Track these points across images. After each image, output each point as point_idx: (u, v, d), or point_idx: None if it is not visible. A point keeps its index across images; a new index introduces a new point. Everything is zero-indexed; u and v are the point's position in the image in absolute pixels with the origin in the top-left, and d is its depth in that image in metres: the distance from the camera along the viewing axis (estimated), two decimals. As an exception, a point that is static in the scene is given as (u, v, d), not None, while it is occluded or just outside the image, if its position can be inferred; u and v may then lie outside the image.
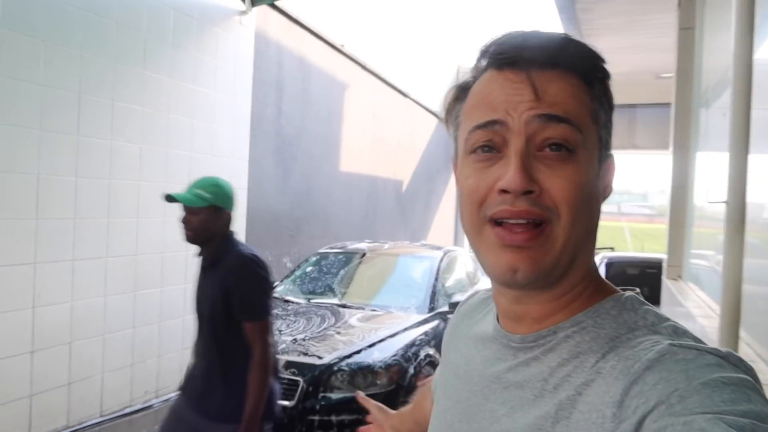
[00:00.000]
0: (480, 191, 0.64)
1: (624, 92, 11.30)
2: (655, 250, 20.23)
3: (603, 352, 0.60)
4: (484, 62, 0.69)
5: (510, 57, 0.64)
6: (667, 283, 4.81)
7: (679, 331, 0.59)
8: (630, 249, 20.84)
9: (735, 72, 1.96)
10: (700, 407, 0.47)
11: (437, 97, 12.92)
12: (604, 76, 0.67)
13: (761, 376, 1.86)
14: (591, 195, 0.64)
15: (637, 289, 0.68)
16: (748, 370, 0.53)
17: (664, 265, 4.95)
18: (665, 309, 4.83)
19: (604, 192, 0.68)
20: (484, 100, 0.66)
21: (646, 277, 6.99)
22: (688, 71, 4.72)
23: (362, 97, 9.19)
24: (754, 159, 1.91)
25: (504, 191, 0.61)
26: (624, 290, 0.68)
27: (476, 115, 0.66)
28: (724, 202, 1.89)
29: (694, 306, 3.52)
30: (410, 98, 11.16)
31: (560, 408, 0.59)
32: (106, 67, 4.42)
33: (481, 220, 0.64)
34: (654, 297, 6.06)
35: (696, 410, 0.46)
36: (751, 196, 1.86)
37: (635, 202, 71.90)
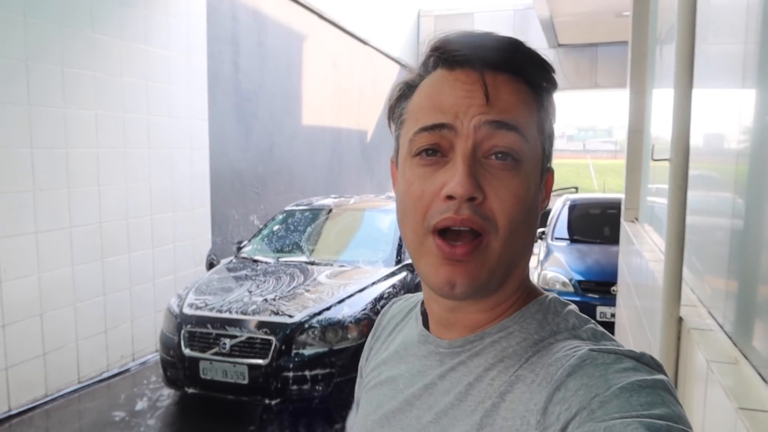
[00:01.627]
0: (425, 198, 0.61)
1: (586, 32, 11.30)
2: (618, 186, 20.72)
3: (527, 357, 0.60)
4: (433, 60, 0.65)
5: (462, 56, 0.61)
6: (624, 225, 4.98)
7: (597, 334, 0.61)
8: (595, 186, 21.28)
9: (680, 17, 2.01)
10: (619, 411, 0.48)
11: (398, 44, 12.74)
12: (552, 86, 0.65)
13: (698, 320, 1.99)
14: (530, 208, 0.62)
15: (555, 294, 0.69)
16: (660, 368, 0.55)
17: (622, 208, 5.12)
18: (622, 249, 5.02)
19: (542, 204, 0.67)
20: (432, 101, 0.62)
21: (607, 218, 7.17)
22: (644, 10, 4.75)
23: (321, 47, 9.03)
24: (696, 111, 1.99)
25: (450, 197, 0.59)
26: (545, 291, 0.69)
27: (423, 117, 0.62)
28: (667, 159, 1.98)
29: (646, 249, 3.68)
30: (370, 46, 10.98)
31: (485, 414, 0.59)
32: (52, 32, 4.27)
33: (424, 230, 0.61)
34: (614, 236, 6.27)
35: (615, 415, 0.48)
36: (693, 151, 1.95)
37: (600, 138, 72.75)
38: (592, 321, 0.64)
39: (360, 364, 0.89)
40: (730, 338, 1.83)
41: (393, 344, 0.80)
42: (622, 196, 8.15)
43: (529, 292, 0.68)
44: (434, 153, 0.61)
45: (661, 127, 3.93)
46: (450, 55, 0.62)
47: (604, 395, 0.50)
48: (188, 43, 5.73)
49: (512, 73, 0.61)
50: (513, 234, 0.60)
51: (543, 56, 0.64)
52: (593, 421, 0.49)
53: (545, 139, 0.64)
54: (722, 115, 2.17)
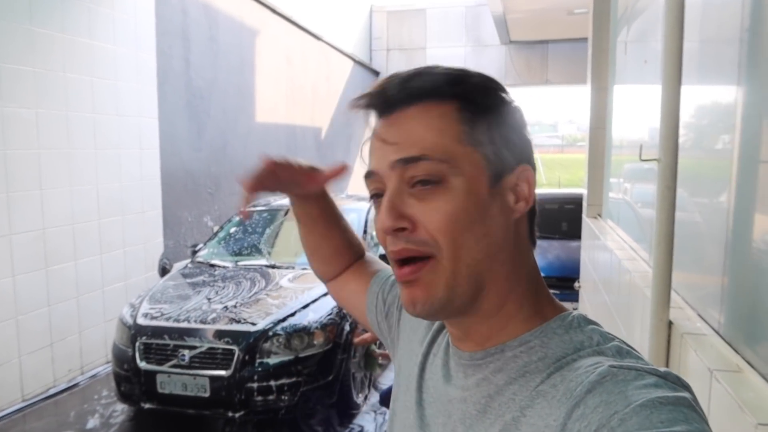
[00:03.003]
0: (379, 235, 0.67)
1: (538, 29, 11.42)
2: (570, 181, 21.12)
3: (548, 373, 0.61)
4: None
5: (373, 105, 0.68)
6: (587, 221, 5.00)
7: (623, 351, 0.60)
8: (544, 180, 21.60)
9: (667, 14, 1.95)
10: (639, 429, 0.48)
11: (351, 40, 12.59)
12: (472, 94, 0.65)
13: (689, 324, 1.93)
14: (476, 217, 0.63)
15: (578, 310, 0.65)
16: (686, 387, 0.54)
17: (584, 204, 5.14)
18: (585, 245, 5.04)
19: (515, 207, 0.66)
20: (369, 150, 0.70)
21: (564, 213, 7.23)
22: (605, 8, 4.76)
23: (274, 42, 8.80)
24: (685, 111, 1.94)
25: (385, 232, 0.64)
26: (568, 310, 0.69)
27: (368, 165, 0.70)
28: (656, 160, 1.91)
29: (615, 246, 3.68)
30: (324, 41, 10.80)
31: (504, 428, 0.60)
32: (-14, 25, 3.95)
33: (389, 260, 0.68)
34: (573, 231, 6.32)
35: None
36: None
37: (546, 133, 74.33)
38: (618, 338, 0.63)
39: (381, 296, 0.96)
40: (728, 344, 1.77)
41: (421, 351, 0.81)
42: (576, 191, 8.25)
43: (537, 302, 0.68)
44: (379, 196, 0.67)
45: (625, 124, 3.94)
46: (368, 108, 0.69)
47: (624, 412, 0.50)
48: (136, 38, 5.44)
49: (418, 101, 0.64)
50: (460, 248, 0.62)
51: (451, 70, 0.66)
52: None
53: (481, 147, 0.64)
54: (708, 113, 2.14)
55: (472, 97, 0.65)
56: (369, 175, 0.69)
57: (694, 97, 2.15)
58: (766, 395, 1.35)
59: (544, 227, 7.24)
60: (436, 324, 0.82)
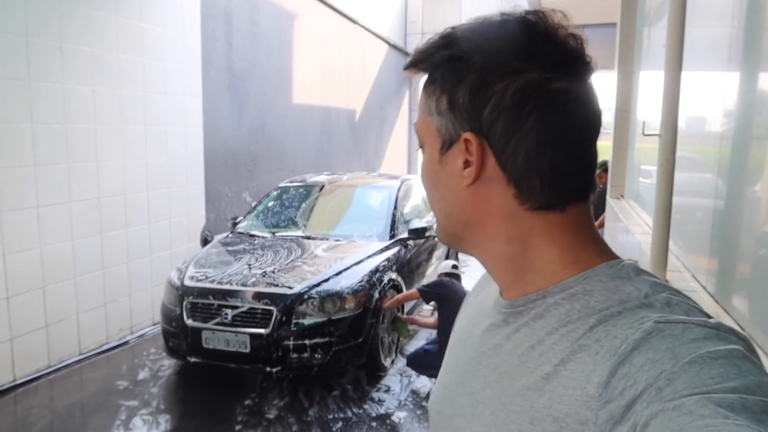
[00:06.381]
0: None
1: (573, 13, 11.37)
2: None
3: (591, 325, 0.59)
4: None
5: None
6: (610, 201, 5.16)
7: (672, 303, 0.57)
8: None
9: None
10: (689, 388, 0.46)
11: (386, 24, 12.76)
12: (435, 65, 0.68)
13: (683, 284, 2.18)
14: (432, 183, 0.72)
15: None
16: (741, 338, 0.52)
17: (608, 185, 5.29)
18: (609, 225, 5.20)
19: (462, 174, 0.67)
20: None
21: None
22: (632, -5, 4.87)
23: (312, 26, 9.05)
24: (684, 89, 2.13)
25: None
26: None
27: None
28: (657, 134, 2.12)
29: (632, 223, 3.86)
30: (360, 25, 11.01)
31: (544, 379, 0.59)
32: (51, 7, 4.30)
33: None
34: (597, 212, 6.45)
35: (685, 392, 0.46)
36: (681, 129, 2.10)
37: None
38: (670, 288, 0.60)
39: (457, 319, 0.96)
40: (712, 297, 2.00)
41: (476, 305, 0.85)
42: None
43: (594, 256, 0.66)
44: None
45: (648, 107, 4.08)
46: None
47: (672, 371, 0.48)
48: (182, 21, 5.76)
49: (423, 71, 0.70)
50: (431, 204, 0.74)
51: (437, 43, 0.68)
52: (661, 401, 0.46)
53: (435, 116, 0.68)
54: (707, 96, 2.32)
55: (431, 70, 0.69)
56: None
57: (694, 80, 2.34)
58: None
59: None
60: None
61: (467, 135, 0.65)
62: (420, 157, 0.75)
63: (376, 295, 4.39)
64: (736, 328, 0.56)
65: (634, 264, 0.64)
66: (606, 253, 0.67)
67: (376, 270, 4.56)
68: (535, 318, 0.65)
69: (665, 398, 0.46)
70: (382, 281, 4.52)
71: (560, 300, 0.63)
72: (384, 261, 4.76)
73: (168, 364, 4.68)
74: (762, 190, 1.70)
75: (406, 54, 14.06)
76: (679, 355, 0.49)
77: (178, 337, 4.23)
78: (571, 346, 0.58)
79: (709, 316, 0.55)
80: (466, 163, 0.66)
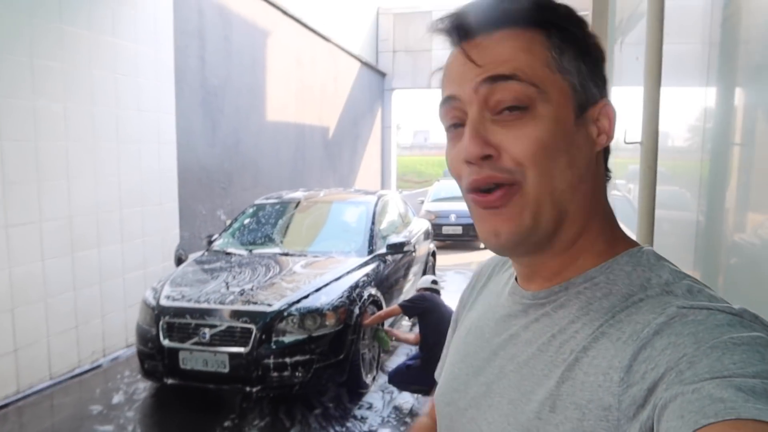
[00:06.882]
0: (455, 166, 0.66)
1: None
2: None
3: (614, 312, 0.59)
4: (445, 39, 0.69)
5: (451, 32, 0.66)
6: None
7: (694, 290, 0.57)
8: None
9: (649, 14, 2.18)
10: (710, 372, 0.45)
11: (359, 41, 12.84)
12: (562, 21, 0.64)
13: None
14: (563, 146, 0.62)
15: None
16: (765, 326, 0.51)
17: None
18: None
19: (597, 140, 0.65)
20: (445, 77, 0.67)
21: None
22: (603, 9, 4.97)
23: (285, 43, 9.05)
24: (665, 99, 2.17)
25: (468, 162, 0.63)
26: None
27: (442, 92, 0.67)
28: (639, 142, 2.15)
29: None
30: (332, 43, 11.05)
31: (566, 368, 0.59)
32: (21, 23, 4.21)
33: (465, 192, 0.66)
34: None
35: (705, 376, 0.45)
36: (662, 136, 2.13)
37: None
38: (690, 276, 0.60)
39: (456, 312, 0.91)
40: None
41: (484, 294, 0.82)
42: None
43: (611, 238, 0.67)
44: (457, 126, 0.65)
45: (627, 118, 4.15)
46: (448, 33, 0.67)
47: (693, 355, 0.48)
48: (155, 36, 5.70)
49: (505, 27, 0.63)
50: (543, 175, 0.61)
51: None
52: (682, 384, 0.46)
53: (569, 76, 0.63)
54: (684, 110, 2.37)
55: (561, 25, 0.64)
56: (447, 101, 0.66)
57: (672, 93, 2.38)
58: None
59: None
60: (502, 273, 0.82)
61: (606, 100, 0.66)
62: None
63: (357, 311, 4.35)
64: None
65: (653, 250, 0.64)
66: (626, 239, 0.67)
67: (355, 286, 4.52)
68: (556, 308, 0.64)
69: (685, 381, 0.46)
70: (362, 297, 4.48)
71: (582, 289, 0.63)
72: (363, 276, 4.72)
73: (143, 387, 4.55)
74: (737, 200, 1.73)
75: (378, 71, 14.15)
76: (701, 340, 0.48)
77: (154, 358, 4.11)
78: (593, 334, 0.58)
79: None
80: (597, 129, 0.65)
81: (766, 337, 0.49)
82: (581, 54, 0.64)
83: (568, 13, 0.65)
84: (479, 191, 0.63)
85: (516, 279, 0.73)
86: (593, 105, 0.65)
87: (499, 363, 0.68)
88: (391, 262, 5.38)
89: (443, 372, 0.82)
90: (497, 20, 0.63)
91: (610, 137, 0.65)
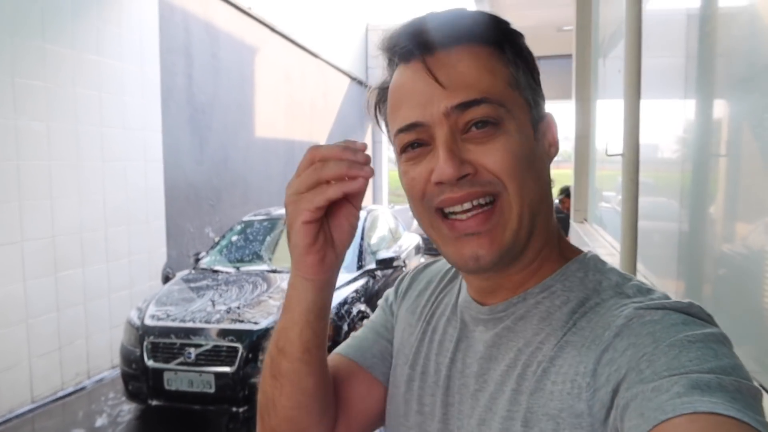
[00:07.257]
0: (418, 184, 0.63)
1: (529, 46, 11.67)
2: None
3: (575, 320, 0.60)
4: (388, 59, 0.67)
5: (407, 48, 0.63)
6: (574, 225, 5.20)
7: (643, 290, 0.60)
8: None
9: (627, 28, 2.18)
10: (668, 370, 0.47)
11: (348, 57, 12.88)
12: (513, 37, 0.65)
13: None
14: (531, 159, 0.62)
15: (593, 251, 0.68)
16: (710, 318, 0.55)
17: (572, 210, 5.34)
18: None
19: (549, 152, 0.66)
20: (401, 100, 0.64)
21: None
22: (586, 24, 5.00)
23: (273, 60, 9.06)
24: (645, 112, 2.15)
25: (440, 183, 0.60)
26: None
27: (398, 118, 0.64)
28: (620, 155, 2.13)
29: (598, 246, 3.87)
30: (321, 59, 11.08)
31: (535, 379, 0.59)
32: (2, 41, 4.18)
33: (428, 211, 0.63)
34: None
35: (664, 373, 0.47)
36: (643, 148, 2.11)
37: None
38: (632, 276, 0.63)
39: (387, 300, 0.86)
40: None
41: (437, 306, 0.78)
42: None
43: (567, 250, 0.68)
44: (419, 145, 0.63)
45: (609, 131, 4.15)
46: (398, 51, 0.64)
47: (652, 354, 0.49)
48: (141, 55, 5.68)
49: (465, 42, 0.61)
50: (522, 186, 0.61)
51: (491, 15, 0.64)
52: (642, 383, 0.48)
53: (524, 91, 0.63)
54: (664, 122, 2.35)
55: (513, 41, 0.64)
56: (410, 128, 0.62)
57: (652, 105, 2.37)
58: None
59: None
60: (434, 293, 0.80)
61: (550, 113, 0.68)
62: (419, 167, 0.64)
63: (345, 327, 4.29)
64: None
65: (597, 255, 0.67)
66: (572, 246, 0.70)
67: (344, 302, 4.47)
68: (516, 320, 0.64)
69: (645, 380, 0.48)
70: (350, 313, 4.43)
71: (540, 299, 0.64)
72: (352, 292, 4.67)
73: (128, 409, 4.45)
74: (719, 210, 1.71)
75: (368, 87, 14.18)
76: (659, 339, 0.50)
77: (138, 379, 4.03)
78: (558, 343, 0.59)
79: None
80: (547, 141, 0.67)
81: (718, 333, 0.51)
82: (529, 69, 0.65)
83: (512, 27, 0.66)
84: (453, 215, 0.62)
85: (469, 293, 0.71)
86: (543, 118, 0.66)
87: (463, 382, 0.67)
88: (380, 277, 5.33)
89: (397, 387, 0.76)
90: (454, 36, 0.62)
91: (557, 148, 0.68)
